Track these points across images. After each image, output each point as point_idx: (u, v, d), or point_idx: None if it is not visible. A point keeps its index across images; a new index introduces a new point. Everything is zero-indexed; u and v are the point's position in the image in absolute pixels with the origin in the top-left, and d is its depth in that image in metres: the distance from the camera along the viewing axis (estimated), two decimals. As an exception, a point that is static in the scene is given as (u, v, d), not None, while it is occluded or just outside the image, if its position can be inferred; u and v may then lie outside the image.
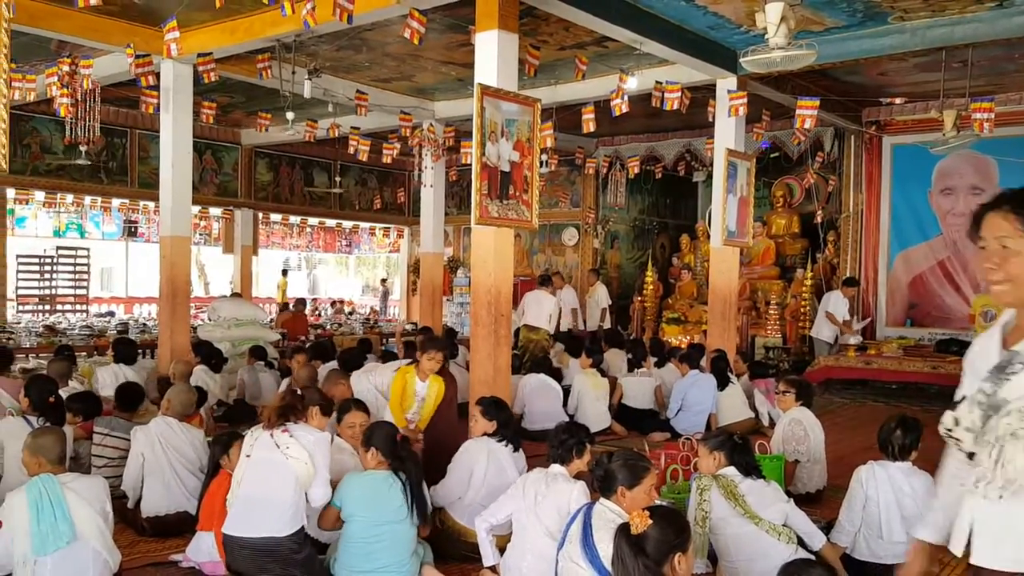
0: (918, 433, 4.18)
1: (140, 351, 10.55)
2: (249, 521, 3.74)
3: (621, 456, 3.41)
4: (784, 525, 3.73)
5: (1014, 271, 1.88)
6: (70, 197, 13.53)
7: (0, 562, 3.66)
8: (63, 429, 4.37)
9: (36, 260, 14.19)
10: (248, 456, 3.86)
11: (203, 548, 4.19)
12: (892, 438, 4.13)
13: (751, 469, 3.87)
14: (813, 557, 3.66)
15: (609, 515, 3.25)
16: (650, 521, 2.65)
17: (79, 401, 5.57)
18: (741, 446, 3.94)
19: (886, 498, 4.03)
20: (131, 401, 5.55)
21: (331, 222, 17.79)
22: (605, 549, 3.14)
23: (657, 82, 8.44)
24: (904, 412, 4.63)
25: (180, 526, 4.65)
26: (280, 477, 3.77)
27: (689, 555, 2.66)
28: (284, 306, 14.79)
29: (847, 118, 11.88)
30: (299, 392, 4.30)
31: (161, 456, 4.72)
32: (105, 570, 3.75)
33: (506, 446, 4.61)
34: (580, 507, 3.42)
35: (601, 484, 3.38)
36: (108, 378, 7.36)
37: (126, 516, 4.73)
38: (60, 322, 12.10)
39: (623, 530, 2.70)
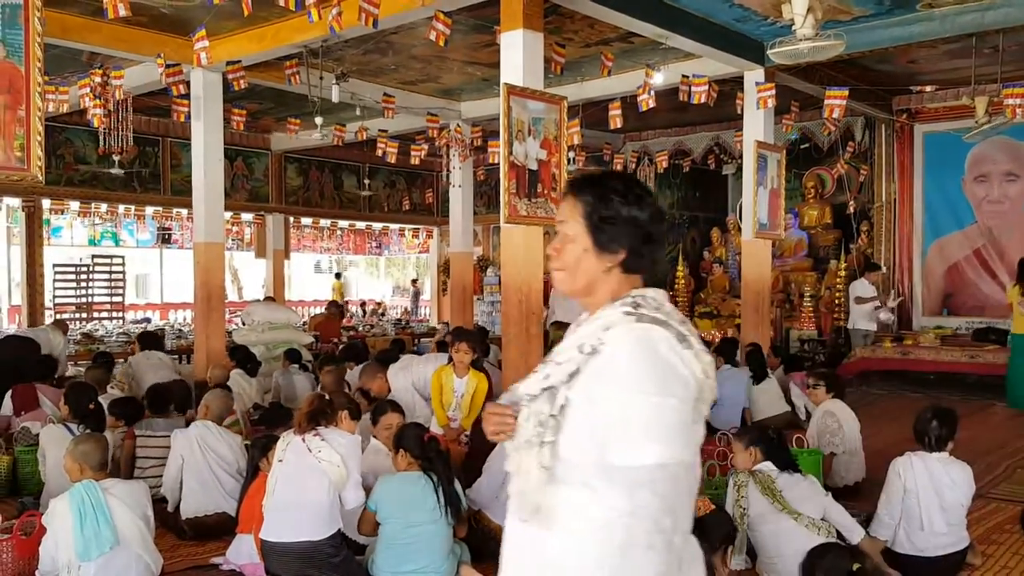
0: (954, 423, 4.15)
1: (177, 357, 10.77)
2: (285, 526, 3.78)
3: None
4: (822, 519, 3.70)
5: (569, 258, 1.71)
6: (104, 206, 13.75)
7: (46, 567, 3.74)
8: (104, 435, 4.45)
9: (72, 269, 14.44)
10: (280, 461, 3.90)
11: (243, 550, 4.24)
12: (928, 429, 4.09)
13: (787, 463, 3.84)
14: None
15: None
16: (713, 507, 2.66)
17: (121, 406, 5.66)
18: (776, 440, 3.91)
19: (925, 489, 3.99)
20: (163, 403, 5.62)
21: (361, 224, 17.91)
22: None
23: (684, 76, 8.39)
24: (941, 402, 4.58)
25: (220, 528, 4.71)
26: (314, 481, 3.80)
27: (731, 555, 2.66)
28: (338, 307, 14.92)
29: (877, 107, 11.71)
30: (328, 397, 4.34)
31: (200, 458, 4.78)
32: (147, 574, 3.81)
33: None
34: None
35: None
36: (143, 361, 7.84)
37: (167, 520, 4.79)
38: (97, 330, 12.30)
39: None
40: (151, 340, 8.34)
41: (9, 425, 6.14)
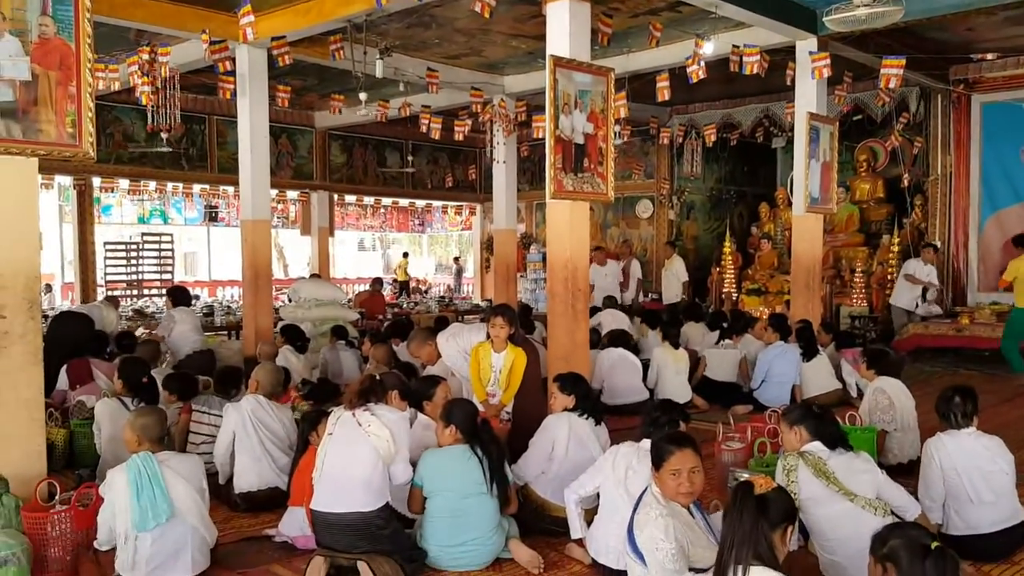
0: (975, 398, 4.17)
1: (227, 333, 10.93)
2: (335, 497, 3.79)
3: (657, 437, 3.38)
4: (877, 498, 3.60)
5: None
6: (153, 184, 13.95)
7: (104, 537, 3.80)
8: (163, 409, 4.52)
9: (123, 247, 14.68)
10: (331, 435, 3.91)
11: (295, 523, 4.28)
12: (952, 407, 4.12)
13: (837, 439, 3.72)
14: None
15: (650, 498, 3.18)
16: (775, 484, 2.61)
17: (176, 381, 5.73)
18: (821, 416, 3.79)
19: (964, 464, 3.98)
20: (231, 384, 5.66)
21: (404, 201, 17.94)
22: (639, 535, 3.07)
23: (734, 46, 8.18)
24: (994, 381, 4.59)
25: (271, 501, 4.76)
26: (363, 453, 3.81)
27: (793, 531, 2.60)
28: (404, 284, 14.91)
29: (933, 77, 11.35)
30: (378, 377, 4.34)
31: (252, 434, 4.82)
32: (203, 545, 3.86)
33: (587, 420, 4.57)
34: (644, 488, 3.35)
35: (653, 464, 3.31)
36: (179, 316, 8.36)
37: (218, 493, 4.85)
38: (148, 306, 12.51)
39: (746, 489, 2.63)
40: (182, 296, 8.77)
41: (65, 399, 6.27)
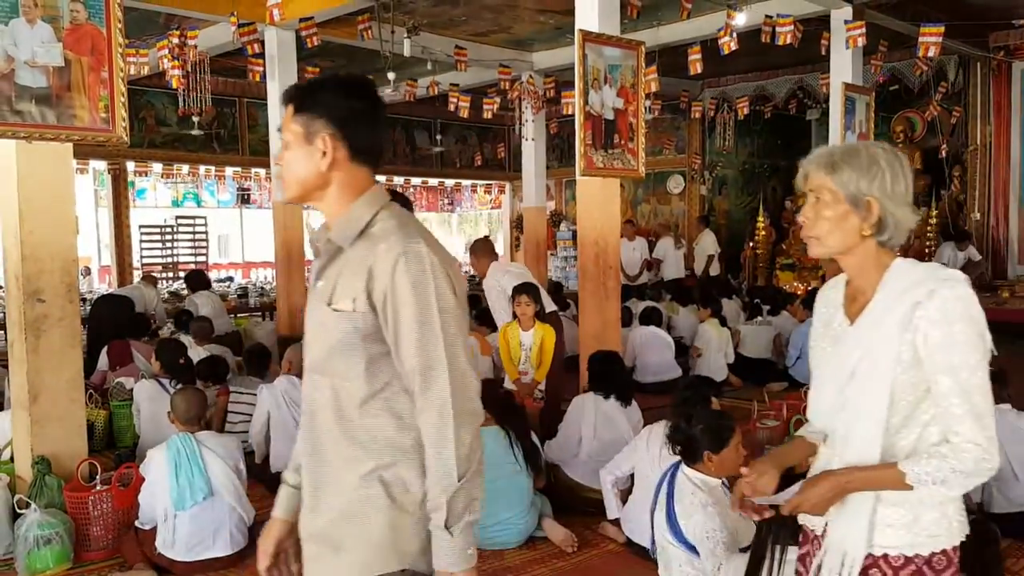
0: (1004, 377, 4.07)
1: (261, 314, 11.04)
2: None
3: (702, 419, 3.29)
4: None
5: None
6: (186, 167, 14.06)
7: (144, 517, 3.87)
8: (202, 390, 4.58)
9: (157, 230, 14.85)
10: None
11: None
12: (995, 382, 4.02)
13: None
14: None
15: (688, 485, 3.15)
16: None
17: (207, 365, 5.81)
18: None
19: (1008, 441, 3.86)
20: (263, 364, 5.73)
21: (433, 181, 17.91)
22: (686, 524, 3.04)
23: (767, 16, 8.02)
24: (999, 358, 4.54)
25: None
26: None
27: None
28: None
29: (972, 44, 11.04)
30: None
31: (286, 414, 4.87)
32: (241, 523, 3.91)
33: (614, 400, 4.54)
34: (667, 470, 3.32)
35: (684, 450, 3.26)
36: (199, 300, 8.66)
37: (254, 472, 4.91)
38: (183, 289, 12.65)
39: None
40: (199, 281, 9.00)
41: (104, 380, 6.37)
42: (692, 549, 3.04)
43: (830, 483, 1.74)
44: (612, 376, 4.69)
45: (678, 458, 3.33)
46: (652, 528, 3.30)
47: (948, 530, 1.75)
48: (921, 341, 1.68)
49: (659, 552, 3.22)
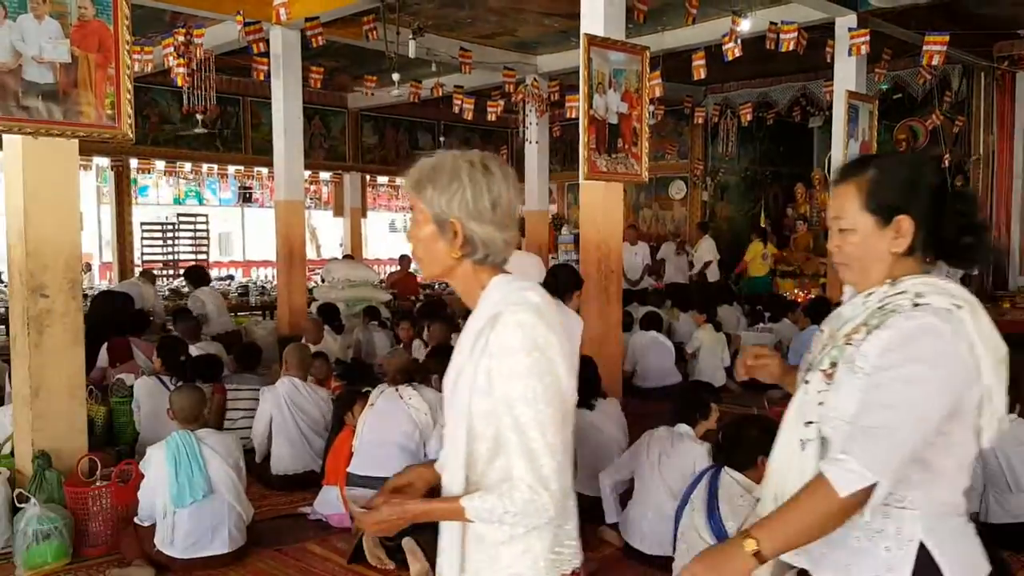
0: (1016, 385, 4.01)
1: (261, 313, 11.04)
2: (372, 462, 3.87)
3: (757, 425, 3.27)
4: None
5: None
6: (188, 165, 14.06)
7: (145, 513, 3.87)
8: (201, 388, 4.58)
9: (159, 227, 14.85)
10: (372, 405, 4.00)
11: (329, 501, 4.32)
12: None
13: None
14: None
15: (736, 488, 3.15)
16: None
17: (202, 367, 5.77)
18: None
19: (1005, 451, 3.91)
20: (252, 360, 5.74)
21: (436, 183, 17.89)
22: (734, 525, 3.05)
23: (772, 23, 8.04)
24: None
25: (306, 482, 4.81)
26: (400, 422, 3.91)
27: None
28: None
29: (976, 54, 11.05)
30: (418, 361, 4.41)
31: (288, 417, 4.87)
32: (239, 522, 3.91)
33: (596, 404, 4.51)
34: (704, 470, 3.33)
35: (732, 453, 3.25)
36: (203, 296, 8.66)
37: (254, 471, 4.91)
38: (184, 286, 12.64)
39: None
40: (200, 276, 9.13)
41: (104, 377, 6.36)
42: None
43: (391, 508, 1.65)
44: (584, 384, 4.67)
45: (676, 461, 3.34)
46: (676, 528, 3.30)
47: (534, 568, 1.61)
48: (487, 369, 1.55)
49: (684, 552, 3.21)
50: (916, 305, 1.61)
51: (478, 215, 1.63)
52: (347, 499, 1.50)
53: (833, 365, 1.66)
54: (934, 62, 7.91)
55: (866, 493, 1.51)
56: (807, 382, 1.72)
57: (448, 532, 1.65)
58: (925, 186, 1.68)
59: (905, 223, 1.66)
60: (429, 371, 4.24)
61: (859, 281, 1.73)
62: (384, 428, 3.89)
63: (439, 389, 4.40)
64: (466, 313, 1.73)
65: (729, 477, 3.20)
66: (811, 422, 1.67)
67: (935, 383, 1.56)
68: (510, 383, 1.52)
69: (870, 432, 1.53)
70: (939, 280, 1.66)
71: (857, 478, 1.50)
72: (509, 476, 1.54)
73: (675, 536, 3.35)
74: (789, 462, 1.70)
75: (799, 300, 9.94)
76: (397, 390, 3.96)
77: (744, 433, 3.25)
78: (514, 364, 1.52)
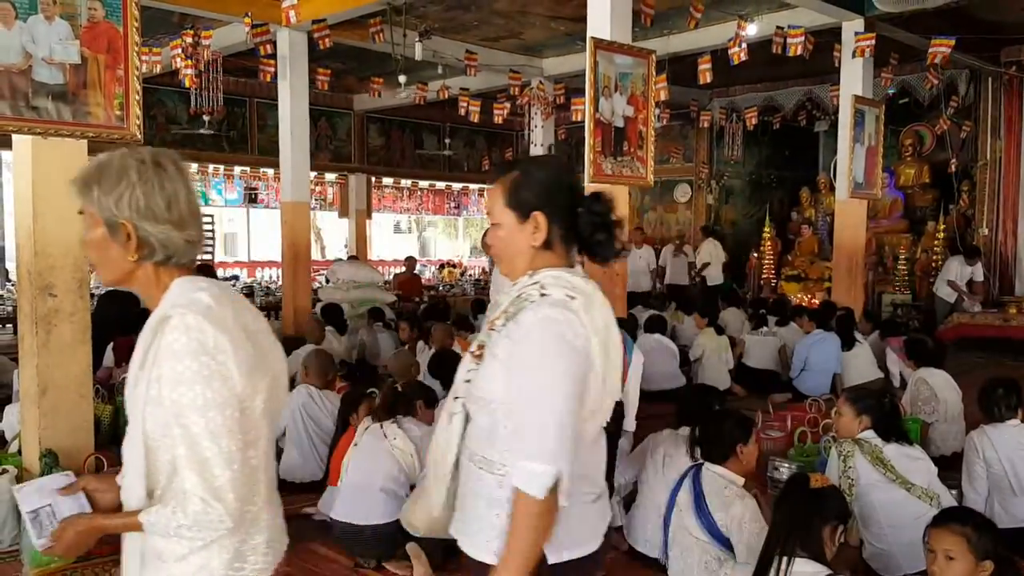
0: (1019, 390, 4.12)
1: (266, 313, 11.06)
2: (354, 507, 3.80)
3: (730, 418, 3.37)
4: (930, 487, 3.57)
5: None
6: (194, 166, 14.09)
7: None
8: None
9: (166, 227, 14.85)
10: (356, 445, 3.94)
11: (333, 502, 4.32)
12: (995, 399, 4.08)
13: (893, 433, 3.67)
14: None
15: (720, 481, 3.17)
16: (830, 481, 2.62)
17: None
18: (890, 410, 3.76)
19: (1008, 456, 3.91)
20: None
21: (441, 184, 17.95)
22: (724, 515, 3.07)
23: (778, 27, 8.05)
24: (1005, 374, 4.60)
25: (313, 490, 4.80)
26: (385, 465, 3.81)
27: (852, 529, 2.61)
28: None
29: (983, 59, 11.05)
30: (400, 388, 4.31)
31: (301, 429, 4.85)
32: (243, 522, 3.90)
33: None
34: (684, 472, 3.34)
35: (712, 447, 3.29)
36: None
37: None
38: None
39: (802, 480, 2.66)
40: (209, 275, 8.84)
41: (110, 376, 6.39)
42: (723, 542, 3.05)
43: (73, 529, 1.59)
44: None
45: (689, 464, 3.34)
46: (665, 533, 3.31)
47: None
48: (158, 376, 1.48)
49: (678, 556, 3.22)
50: (543, 295, 1.72)
51: (152, 215, 1.55)
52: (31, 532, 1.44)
53: (481, 348, 1.77)
54: (937, 61, 7.92)
55: (556, 482, 1.59)
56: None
57: (129, 547, 1.59)
58: (559, 187, 1.80)
59: (540, 218, 1.76)
60: (413, 399, 4.14)
61: (510, 272, 1.84)
62: (369, 470, 3.81)
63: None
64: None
65: (711, 472, 3.23)
66: (458, 397, 1.77)
67: (560, 369, 1.64)
68: (177, 390, 1.45)
69: (532, 428, 1.61)
70: (564, 273, 1.78)
71: (542, 476, 1.58)
72: (184, 488, 1.48)
73: (665, 543, 3.36)
74: (441, 433, 1.81)
75: (803, 304, 9.93)
76: (382, 427, 3.89)
77: (720, 427, 3.30)
78: (181, 370, 1.45)
